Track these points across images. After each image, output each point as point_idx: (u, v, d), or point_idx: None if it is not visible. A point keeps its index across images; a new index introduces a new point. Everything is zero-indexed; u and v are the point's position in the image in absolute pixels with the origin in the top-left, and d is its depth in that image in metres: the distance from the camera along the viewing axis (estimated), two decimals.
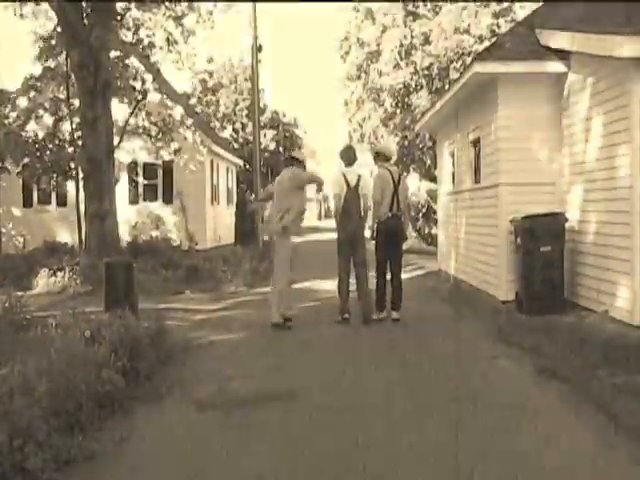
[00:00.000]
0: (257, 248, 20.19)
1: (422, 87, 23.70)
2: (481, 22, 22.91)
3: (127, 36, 18.22)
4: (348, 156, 9.43)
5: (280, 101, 48.81)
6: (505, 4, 23.32)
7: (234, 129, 38.86)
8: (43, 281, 13.23)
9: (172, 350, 7.12)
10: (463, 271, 12.76)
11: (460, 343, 7.66)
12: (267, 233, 9.19)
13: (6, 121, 18.80)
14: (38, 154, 18.90)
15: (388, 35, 24.20)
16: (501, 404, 5.29)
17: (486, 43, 19.50)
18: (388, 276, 9.19)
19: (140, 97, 18.64)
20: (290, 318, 8.82)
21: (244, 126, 38.35)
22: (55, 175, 19.60)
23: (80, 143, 16.38)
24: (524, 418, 4.94)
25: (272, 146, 39.91)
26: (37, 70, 18.91)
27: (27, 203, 22.50)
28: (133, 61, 19.33)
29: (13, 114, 19.17)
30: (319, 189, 9.72)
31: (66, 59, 17.05)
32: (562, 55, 9.23)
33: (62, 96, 18.94)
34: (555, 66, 9.38)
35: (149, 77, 19.28)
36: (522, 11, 21.24)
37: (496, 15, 23.25)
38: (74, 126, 17.86)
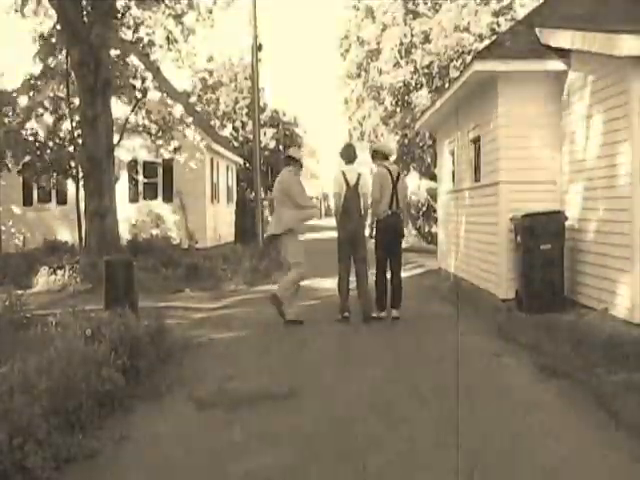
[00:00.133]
0: (257, 246, 20.19)
1: (422, 85, 23.72)
2: (481, 20, 22.93)
3: (127, 34, 18.19)
4: (348, 154, 9.43)
5: (280, 100, 48.72)
6: (505, 2, 23.33)
7: (234, 127, 38.85)
8: (43, 279, 13.23)
9: (172, 348, 7.12)
10: (463, 269, 12.76)
11: (460, 341, 7.66)
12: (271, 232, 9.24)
13: (6, 120, 18.79)
14: (38, 153, 18.90)
15: (388, 33, 24.21)
16: (501, 401, 5.30)
17: (486, 41, 19.51)
18: (388, 274, 9.20)
19: (140, 95, 18.63)
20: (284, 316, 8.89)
21: (244, 124, 38.34)
22: (55, 173, 19.60)
23: (80, 141, 16.38)
24: (524, 415, 4.94)
25: (272, 144, 39.89)
26: (37, 69, 18.90)
27: (27, 201, 22.51)
28: (133, 59, 19.31)
29: (13, 113, 19.16)
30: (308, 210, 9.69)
31: (66, 57, 17.04)
32: (562, 53, 9.22)
33: (62, 94, 18.94)
34: (555, 64, 9.37)
35: (149, 75, 19.26)
36: (522, 9, 21.26)
37: (496, 13, 23.28)
38: (74, 124, 17.86)
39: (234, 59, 39.75)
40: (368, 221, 9.48)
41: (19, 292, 9.09)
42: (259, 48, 22.26)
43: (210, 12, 18.51)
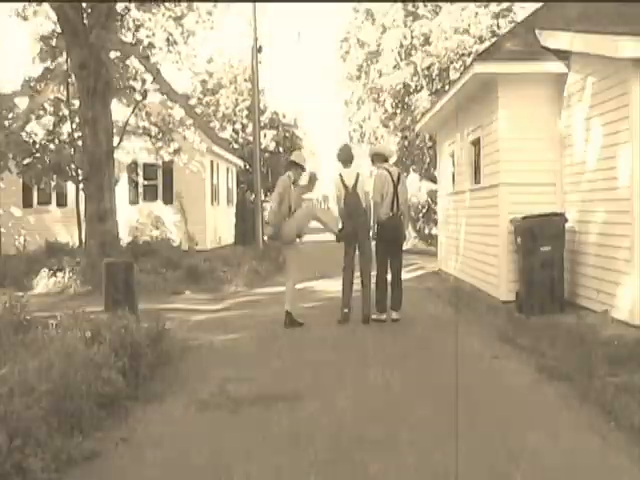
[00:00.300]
0: (257, 248, 20.19)
1: (422, 87, 23.72)
2: (481, 23, 22.95)
3: (127, 36, 18.21)
4: (344, 156, 9.37)
5: (280, 102, 48.71)
6: (505, 5, 23.34)
7: (234, 129, 38.86)
8: (43, 281, 13.24)
9: (172, 350, 7.11)
10: (463, 271, 12.76)
11: (460, 343, 7.66)
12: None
13: (6, 122, 18.79)
14: (38, 155, 18.89)
15: (388, 35, 24.21)
16: (501, 403, 5.29)
17: (486, 43, 19.51)
18: (388, 276, 9.20)
19: (140, 97, 18.64)
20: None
21: (244, 126, 38.36)
22: (55, 175, 19.59)
23: (80, 143, 16.37)
24: (524, 417, 4.94)
25: (272, 146, 39.91)
26: (37, 71, 18.90)
27: (27, 203, 22.51)
28: (133, 61, 19.32)
29: (13, 115, 19.15)
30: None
31: (66, 59, 17.04)
32: (562, 55, 9.24)
33: (62, 97, 18.94)
34: (555, 66, 9.38)
35: (149, 77, 19.26)
36: (522, 12, 21.25)
37: (496, 16, 23.29)
38: (74, 126, 17.85)
39: (234, 61, 39.78)
40: (370, 222, 9.46)
41: (19, 294, 9.08)
42: (259, 50, 22.30)
43: (210, 14, 18.53)
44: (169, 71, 35.11)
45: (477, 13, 23.05)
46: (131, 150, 21.13)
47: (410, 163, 25.03)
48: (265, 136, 37.44)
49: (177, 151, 20.96)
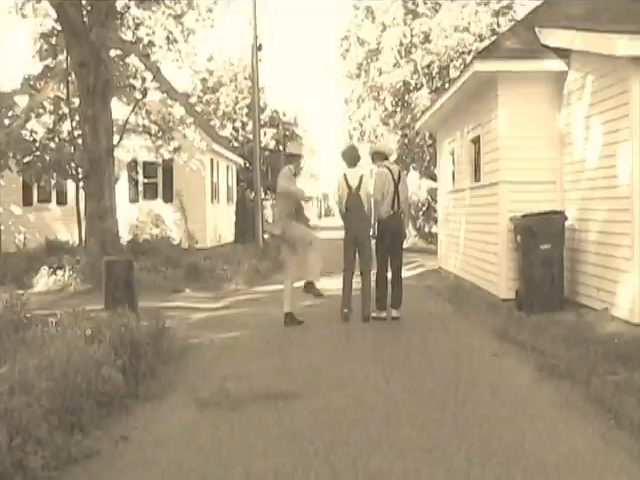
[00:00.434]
0: (257, 247, 20.19)
1: (422, 85, 23.71)
2: (481, 20, 22.94)
3: (127, 35, 18.19)
4: (350, 157, 9.33)
5: (280, 100, 48.68)
6: (505, 2, 23.33)
7: (234, 127, 38.81)
8: (43, 279, 13.24)
9: (172, 349, 7.11)
10: (463, 269, 12.77)
11: (460, 341, 7.67)
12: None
13: (6, 121, 18.78)
14: (38, 153, 18.89)
15: (388, 33, 24.19)
16: (501, 401, 5.29)
17: (486, 42, 19.51)
18: (388, 274, 9.20)
19: (140, 96, 18.63)
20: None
21: (244, 124, 38.30)
22: (55, 174, 19.59)
23: (80, 142, 16.37)
24: (524, 415, 4.94)
25: (272, 144, 39.87)
26: (37, 69, 18.89)
27: (27, 201, 22.52)
28: (133, 60, 19.31)
29: (13, 113, 19.15)
30: (305, 200, 9.55)
31: (66, 58, 17.03)
32: (562, 53, 9.23)
33: (62, 95, 18.93)
34: (555, 64, 9.38)
35: (149, 75, 19.25)
36: (522, 10, 21.23)
37: (496, 14, 23.27)
38: (74, 125, 17.85)
39: (234, 59, 39.74)
40: (371, 222, 9.46)
41: (19, 292, 9.09)
42: (259, 48, 22.27)
43: (210, 12, 18.50)
44: (169, 69, 35.03)
45: (477, 11, 23.04)
46: (131, 148, 21.14)
47: (410, 161, 25.03)
48: (265, 134, 37.39)
49: (177, 149, 20.96)
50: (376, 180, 9.18)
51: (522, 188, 9.57)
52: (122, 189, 20.14)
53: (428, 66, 23.27)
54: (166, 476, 4.04)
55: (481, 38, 22.48)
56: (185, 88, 29.47)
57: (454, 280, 13.30)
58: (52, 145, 19.12)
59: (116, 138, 16.76)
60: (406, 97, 24.22)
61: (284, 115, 42.66)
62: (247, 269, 14.74)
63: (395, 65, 24.09)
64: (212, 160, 24.29)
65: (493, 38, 16.58)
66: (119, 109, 18.04)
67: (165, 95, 20.88)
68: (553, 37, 9.35)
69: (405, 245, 10.09)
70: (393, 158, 18.67)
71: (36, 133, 19.25)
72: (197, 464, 4.16)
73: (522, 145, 9.68)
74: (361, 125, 27.04)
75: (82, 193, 16.43)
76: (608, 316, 7.75)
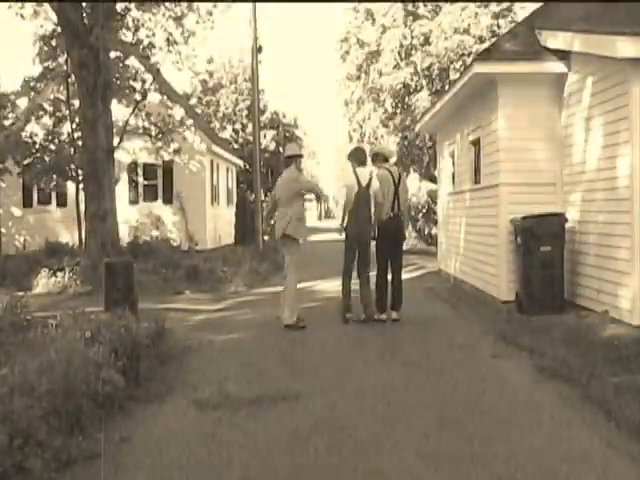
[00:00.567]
0: (257, 248, 20.20)
1: (422, 87, 23.73)
2: (481, 22, 22.95)
3: (127, 36, 18.23)
4: (358, 157, 9.29)
5: (280, 101, 48.78)
6: (505, 4, 23.35)
7: (234, 129, 38.87)
8: (43, 281, 13.24)
9: (172, 350, 7.12)
10: (463, 271, 12.77)
11: (460, 343, 7.66)
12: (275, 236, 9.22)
13: (6, 122, 18.81)
14: (38, 155, 18.91)
15: (388, 35, 24.21)
16: (501, 403, 5.29)
17: (486, 43, 19.51)
18: (388, 276, 9.20)
19: (140, 97, 18.66)
20: (302, 318, 8.89)
21: (244, 126, 38.37)
22: (55, 175, 19.62)
23: (80, 143, 16.39)
24: (524, 416, 4.94)
25: (272, 146, 39.91)
26: (37, 71, 18.93)
27: (27, 203, 22.53)
28: (133, 61, 19.34)
29: (13, 115, 19.17)
30: (318, 199, 9.61)
31: (66, 59, 17.06)
32: (562, 55, 9.23)
33: (62, 96, 18.95)
34: (555, 66, 9.38)
35: (149, 77, 19.28)
36: (522, 12, 21.26)
37: (496, 16, 23.29)
38: (74, 126, 17.86)
39: (234, 61, 39.80)
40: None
41: (19, 294, 9.08)
42: (259, 50, 22.29)
43: (210, 14, 18.53)
44: (169, 71, 35.13)
45: (477, 13, 23.06)
46: (131, 150, 21.17)
47: (410, 163, 25.04)
48: (265, 136, 37.45)
49: (177, 151, 20.99)
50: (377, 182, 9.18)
51: (522, 190, 9.57)
52: (122, 191, 20.16)
53: (428, 68, 23.29)
54: (166, 477, 4.04)
55: (481, 40, 22.49)
56: (185, 90, 29.45)
57: (454, 282, 13.30)
58: (52, 147, 19.14)
59: (116, 140, 16.78)
60: (406, 99, 24.24)
61: (284, 117, 42.73)
62: (247, 271, 14.74)
63: (395, 67, 24.11)
64: (212, 162, 24.30)
65: (493, 40, 16.58)
66: (119, 111, 18.08)
67: (165, 97, 20.92)
68: (553, 39, 9.35)
69: (405, 247, 10.09)
70: (393, 160, 18.70)
71: (36, 135, 19.28)
72: (197, 465, 4.16)
73: (522, 147, 9.68)
74: (361, 127, 27.06)
75: (82, 195, 16.44)
76: (608, 318, 7.75)
